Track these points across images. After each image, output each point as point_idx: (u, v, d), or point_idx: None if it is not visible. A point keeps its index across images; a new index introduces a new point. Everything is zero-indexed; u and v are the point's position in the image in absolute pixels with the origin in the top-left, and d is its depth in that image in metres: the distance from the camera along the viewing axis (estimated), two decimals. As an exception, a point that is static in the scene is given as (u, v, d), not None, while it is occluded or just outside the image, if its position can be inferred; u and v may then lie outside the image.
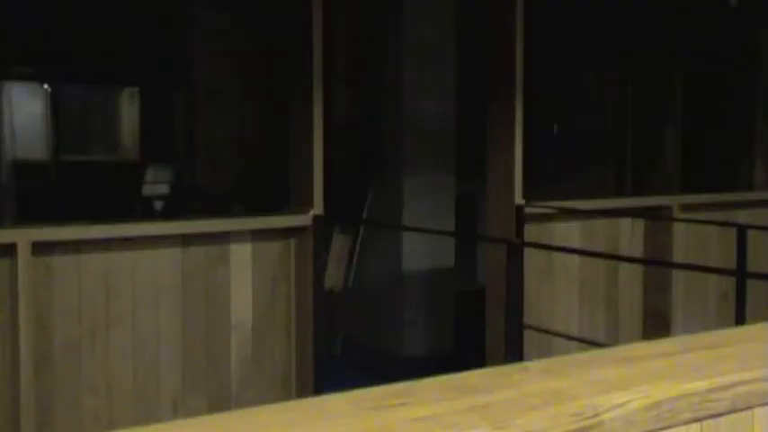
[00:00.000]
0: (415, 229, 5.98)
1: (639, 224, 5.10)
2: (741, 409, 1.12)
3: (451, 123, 6.55)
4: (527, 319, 4.29)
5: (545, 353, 4.43)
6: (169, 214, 8.36)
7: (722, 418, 1.11)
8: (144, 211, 8.78)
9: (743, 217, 5.45)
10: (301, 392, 3.98)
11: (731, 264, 4.66)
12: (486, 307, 4.41)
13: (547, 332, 4.51)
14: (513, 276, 3.75)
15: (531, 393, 1.03)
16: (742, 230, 4.49)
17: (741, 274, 4.23)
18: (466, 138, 6.80)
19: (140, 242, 3.66)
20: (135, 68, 9.31)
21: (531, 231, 4.50)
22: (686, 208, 5.23)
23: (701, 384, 1.08)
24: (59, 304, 3.47)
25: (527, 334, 4.28)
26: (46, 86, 9.33)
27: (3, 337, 3.34)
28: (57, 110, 9.39)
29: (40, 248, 3.39)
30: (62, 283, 3.47)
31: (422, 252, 6.40)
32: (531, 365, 1.17)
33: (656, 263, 5.13)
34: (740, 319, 3.84)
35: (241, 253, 3.92)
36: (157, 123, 9.15)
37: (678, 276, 5.07)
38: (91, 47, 8.37)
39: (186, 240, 3.78)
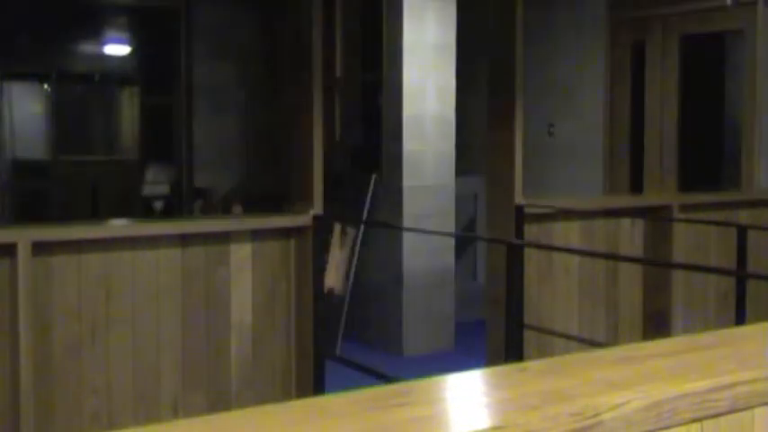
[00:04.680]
0: (415, 230, 5.98)
1: (639, 224, 5.09)
2: (741, 409, 1.12)
3: (451, 123, 6.55)
4: (527, 319, 4.29)
5: (545, 353, 4.43)
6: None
7: (722, 418, 1.11)
8: (144, 212, 8.78)
9: (743, 217, 5.45)
10: (301, 392, 3.98)
11: (731, 264, 4.66)
12: (487, 307, 4.42)
13: (547, 332, 4.51)
14: (513, 276, 3.75)
15: (531, 393, 1.03)
16: (742, 230, 4.49)
17: (741, 274, 4.23)
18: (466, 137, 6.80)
19: (140, 242, 3.66)
20: (133, 67, 9.31)
21: (531, 231, 4.49)
22: (686, 208, 5.22)
23: (701, 384, 1.08)
24: (59, 304, 3.47)
25: (527, 334, 4.27)
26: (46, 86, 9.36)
27: (3, 337, 3.34)
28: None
29: (40, 248, 3.39)
30: (62, 283, 3.47)
31: (422, 252, 6.40)
32: (531, 365, 1.17)
33: (656, 263, 5.12)
34: (740, 319, 3.85)
35: (241, 253, 3.92)
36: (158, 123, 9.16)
37: (678, 276, 5.07)
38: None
39: (186, 240, 3.78)
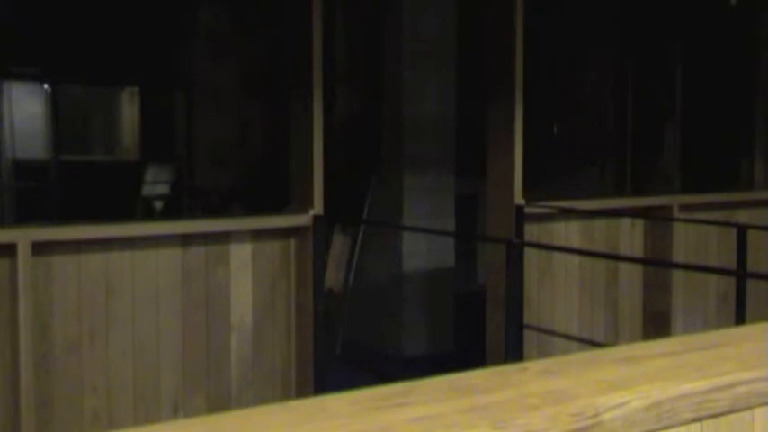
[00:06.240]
0: (415, 229, 5.98)
1: (639, 224, 5.09)
2: (741, 409, 1.12)
3: (452, 123, 6.55)
4: (527, 319, 4.29)
5: (545, 353, 4.43)
6: (169, 215, 8.37)
7: (722, 418, 1.11)
8: (144, 212, 8.78)
9: (743, 217, 5.45)
10: (301, 392, 3.98)
11: (731, 264, 4.66)
12: (487, 307, 4.42)
13: (547, 332, 4.51)
14: (513, 276, 3.75)
15: (531, 393, 1.03)
16: (742, 230, 4.49)
17: (741, 274, 4.23)
18: (466, 137, 6.80)
19: (140, 242, 3.66)
20: (134, 68, 9.32)
21: (531, 231, 4.50)
22: (686, 208, 5.23)
23: (701, 384, 1.08)
24: (59, 304, 3.47)
25: (527, 334, 4.27)
26: (46, 86, 9.34)
27: (3, 337, 3.34)
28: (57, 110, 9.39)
29: (40, 248, 3.39)
30: (62, 283, 3.47)
31: (422, 252, 6.40)
32: (531, 365, 1.17)
33: (656, 263, 5.12)
34: (740, 319, 3.84)
35: (241, 253, 3.92)
36: (158, 123, 9.15)
37: (678, 276, 5.07)
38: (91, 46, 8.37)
39: (186, 240, 3.78)
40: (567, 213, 4.79)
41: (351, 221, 6.61)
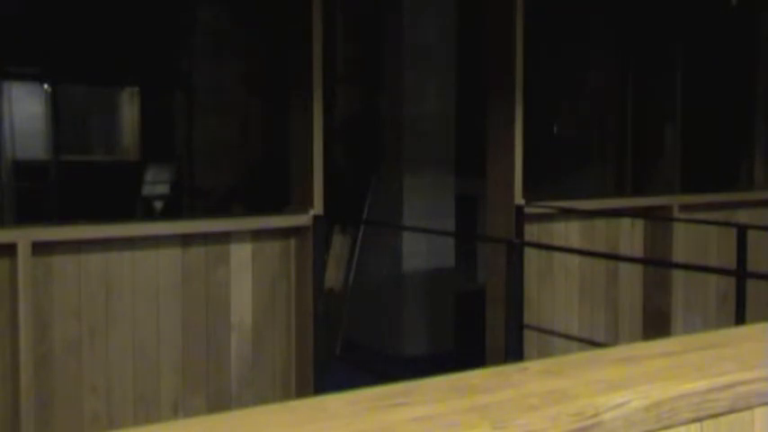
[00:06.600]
0: (415, 229, 5.98)
1: (639, 224, 5.10)
2: (741, 409, 1.12)
3: (451, 123, 6.55)
4: (527, 319, 4.29)
5: (545, 353, 4.43)
6: (169, 215, 8.37)
7: (722, 418, 1.11)
8: (144, 212, 8.78)
9: (743, 217, 5.45)
10: (301, 392, 3.98)
11: (731, 264, 4.66)
12: (487, 307, 4.42)
13: (547, 332, 4.51)
14: (513, 276, 3.75)
15: (531, 393, 1.03)
16: (742, 230, 4.49)
17: (741, 274, 4.23)
18: (466, 138, 6.80)
19: (140, 242, 3.66)
20: (134, 68, 9.32)
21: (531, 231, 4.50)
22: (686, 208, 5.22)
23: (701, 384, 1.08)
24: (59, 304, 3.47)
25: (527, 334, 4.27)
26: (46, 86, 9.34)
27: (3, 337, 3.34)
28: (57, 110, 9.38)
29: (40, 248, 3.39)
30: (62, 283, 3.47)
31: (422, 252, 6.39)
32: (531, 365, 1.17)
33: (656, 263, 5.13)
34: (740, 319, 3.84)
35: (241, 253, 3.92)
36: (158, 123, 9.15)
37: (678, 276, 5.07)
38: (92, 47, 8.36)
39: (186, 240, 3.78)
40: (567, 213, 4.79)
41: (351, 221, 6.61)
